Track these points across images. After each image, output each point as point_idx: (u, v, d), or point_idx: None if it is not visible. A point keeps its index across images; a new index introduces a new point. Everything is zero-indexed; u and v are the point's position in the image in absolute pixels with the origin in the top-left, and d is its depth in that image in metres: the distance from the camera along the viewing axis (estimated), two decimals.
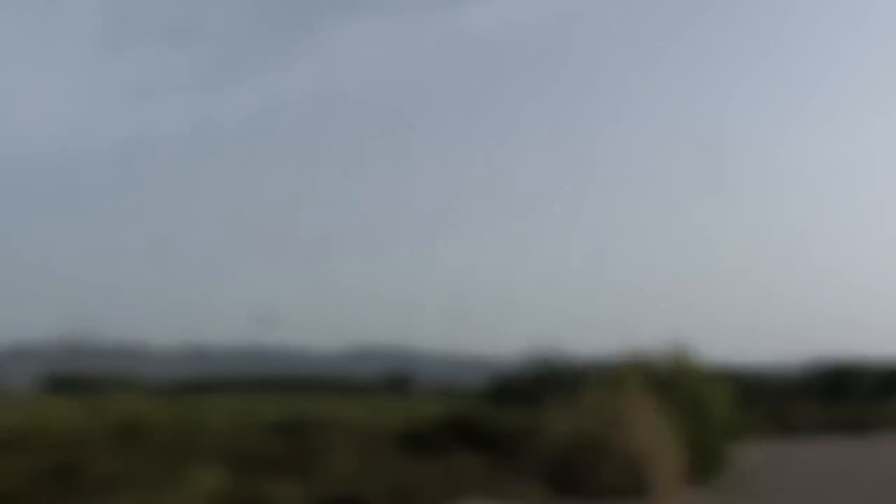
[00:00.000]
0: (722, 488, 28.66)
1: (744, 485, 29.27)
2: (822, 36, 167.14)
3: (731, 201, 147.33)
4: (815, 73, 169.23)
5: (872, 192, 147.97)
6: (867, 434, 53.60)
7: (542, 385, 42.23)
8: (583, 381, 29.57)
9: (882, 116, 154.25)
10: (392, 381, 73.03)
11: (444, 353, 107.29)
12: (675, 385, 30.08)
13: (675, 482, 27.15)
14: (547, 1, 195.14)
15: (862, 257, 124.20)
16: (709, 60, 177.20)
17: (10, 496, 18.24)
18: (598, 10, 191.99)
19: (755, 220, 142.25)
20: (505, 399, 45.12)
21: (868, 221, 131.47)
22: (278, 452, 24.43)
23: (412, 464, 24.20)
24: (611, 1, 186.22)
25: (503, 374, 56.04)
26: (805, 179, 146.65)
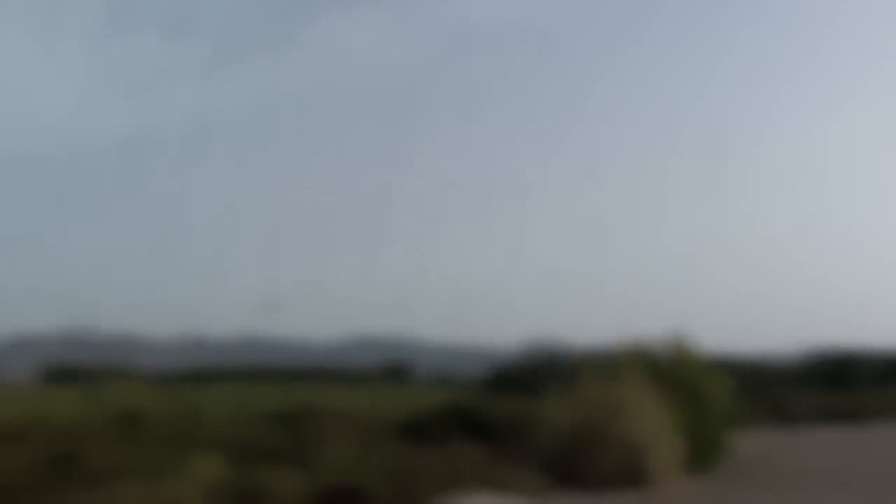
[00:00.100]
0: (721, 477, 28.68)
1: (743, 474, 29.28)
2: (822, 26, 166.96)
3: (731, 191, 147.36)
4: (816, 65, 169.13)
5: (873, 182, 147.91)
6: (867, 423, 53.63)
7: (540, 375, 42.27)
8: (582, 370, 29.56)
9: (884, 107, 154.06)
10: (391, 370, 73.13)
11: (443, 343, 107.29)
12: (675, 374, 30.09)
13: (674, 471, 27.17)
14: None
15: (862, 247, 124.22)
16: (709, 52, 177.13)
17: (11, 487, 18.25)
18: (597, 1, 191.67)
19: (755, 210, 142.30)
20: (504, 389, 45.18)
21: (869, 212, 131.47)
22: (277, 442, 24.45)
23: (411, 453, 24.21)
24: None
25: (502, 364, 56.11)
26: (806, 169, 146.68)
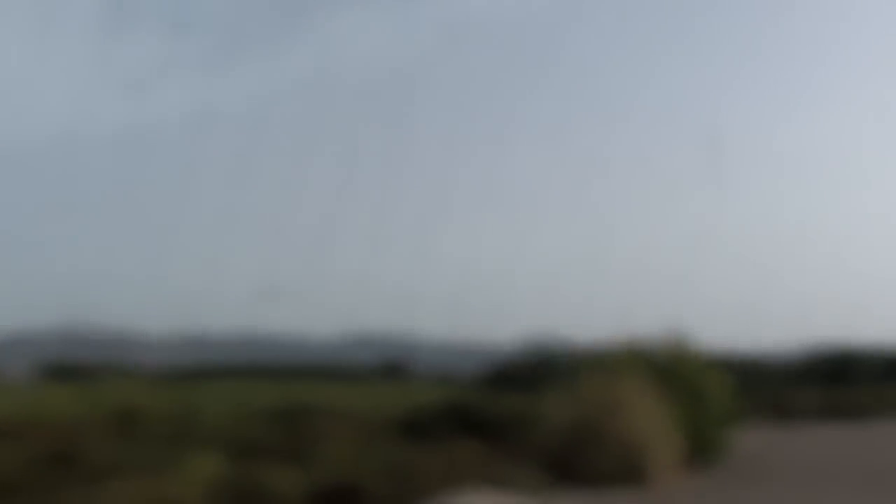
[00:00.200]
0: (720, 475, 28.66)
1: (742, 471, 29.26)
2: (821, 22, 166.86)
3: (730, 187, 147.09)
4: (817, 59, 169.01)
5: (875, 177, 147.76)
6: (867, 421, 53.61)
7: (540, 372, 42.20)
8: (581, 368, 29.55)
9: (885, 103, 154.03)
10: (390, 368, 73.04)
11: (442, 340, 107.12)
12: (674, 372, 30.08)
13: (673, 469, 27.16)
14: None
15: (863, 243, 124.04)
16: (708, 47, 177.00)
17: (8, 484, 18.21)
18: None
19: (755, 206, 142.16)
20: (503, 386, 45.11)
21: (870, 207, 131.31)
22: (276, 439, 24.41)
23: (410, 451, 24.18)
24: None
25: (501, 362, 56.05)
26: (806, 164, 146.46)
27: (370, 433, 26.87)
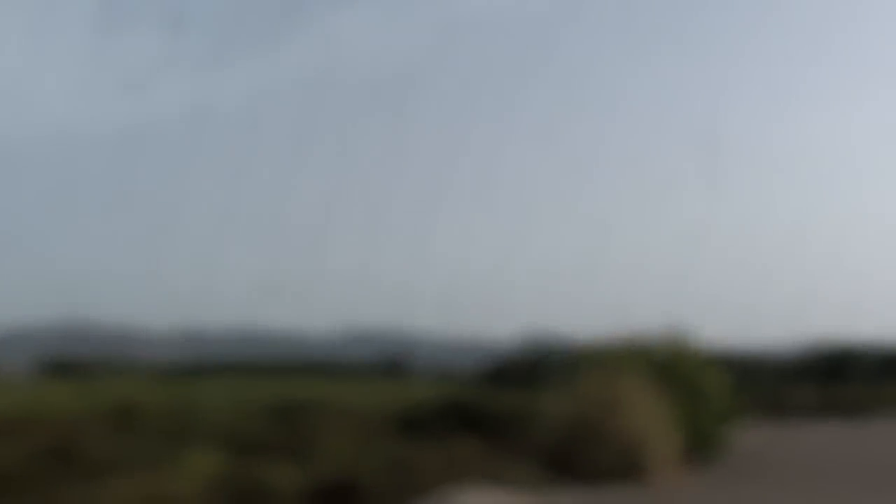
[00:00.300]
0: (718, 472, 28.69)
1: (741, 468, 29.29)
2: (818, 21, 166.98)
3: (728, 184, 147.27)
4: (812, 57, 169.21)
5: (872, 174, 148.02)
6: (865, 418, 53.67)
7: (538, 369, 42.21)
8: (580, 364, 29.56)
9: (882, 100, 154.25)
10: (388, 364, 72.98)
11: (440, 336, 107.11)
12: (673, 369, 30.10)
13: (671, 466, 27.18)
14: None
15: (860, 240, 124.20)
16: (704, 45, 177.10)
17: (7, 480, 18.21)
18: None
19: (753, 203, 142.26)
20: (502, 383, 45.10)
21: (867, 205, 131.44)
22: (275, 436, 24.42)
23: (409, 448, 24.19)
24: None
25: (500, 358, 56.03)
26: (803, 162, 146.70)
27: (369, 430, 26.88)
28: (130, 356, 79.14)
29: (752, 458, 31.93)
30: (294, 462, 21.15)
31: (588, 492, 24.23)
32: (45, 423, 23.65)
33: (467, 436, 26.20)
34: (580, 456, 26.06)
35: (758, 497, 23.49)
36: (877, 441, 40.18)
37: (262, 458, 21.27)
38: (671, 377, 29.19)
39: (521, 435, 27.29)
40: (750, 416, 41.18)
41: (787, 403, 55.09)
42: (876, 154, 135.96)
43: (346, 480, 20.45)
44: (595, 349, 31.97)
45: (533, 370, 43.13)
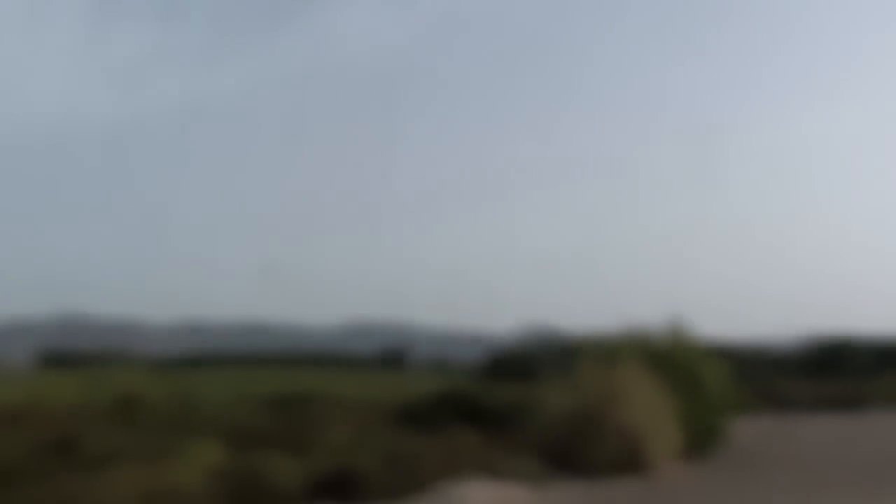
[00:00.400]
0: (717, 463, 28.79)
1: (739, 460, 29.40)
2: (807, 16, 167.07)
3: (726, 180, 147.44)
4: (804, 54, 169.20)
5: (866, 169, 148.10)
6: (861, 409, 53.82)
7: (538, 361, 42.35)
8: (579, 357, 29.61)
9: (873, 95, 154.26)
10: (388, 356, 73.19)
11: (440, 329, 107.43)
12: (672, 361, 30.16)
13: (671, 458, 27.27)
14: None
15: (856, 234, 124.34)
16: (697, 42, 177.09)
17: (9, 470, 18.30)
18: None
19: (752, 198, 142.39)
20: (501, 375, 45.27)
21: (862, 199, 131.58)
22: (275, 427, 24.50)
23: (409, 440, 24.26)
24: None
25: (499, 350, 56.18)
26: (799, 156, 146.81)
27: (369, 421, 26.98)
28: (131, 348, 79.33)
29: (750, 450, 32.05)
30: (294, 454, 21.22)
31: (588, 484, 24.30)
32: (46, 414, 23.79)
33: (467, 428, 26.27)
34: (580, 448, 26.09)
35: (756, 489, 23.58)
36: (873, 433, 40.31)
37: (262, 449, 21.35)
38: (671, 370, 29.24)
39: (520, 427, 27.35)
40: (749, 408, 41.32)
41: (785, 396, 55.25)
42: (871, 150, 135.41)
43: (346, 472, 20.52)
44: (594, 342, 32.02)
45: (532, 362, 43.27)
